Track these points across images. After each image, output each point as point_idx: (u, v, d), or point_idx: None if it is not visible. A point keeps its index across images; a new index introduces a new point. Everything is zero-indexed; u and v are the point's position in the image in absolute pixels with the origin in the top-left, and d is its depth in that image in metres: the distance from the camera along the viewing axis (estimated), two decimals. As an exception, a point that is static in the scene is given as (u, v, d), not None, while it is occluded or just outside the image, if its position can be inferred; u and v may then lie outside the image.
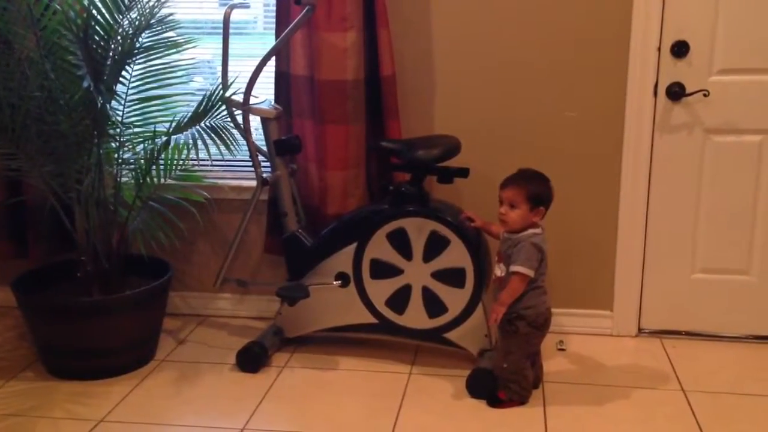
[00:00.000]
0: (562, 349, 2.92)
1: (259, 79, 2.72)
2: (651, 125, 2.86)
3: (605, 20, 2.80)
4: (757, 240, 2.91)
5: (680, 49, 2.79)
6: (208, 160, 2.81)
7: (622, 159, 2.89)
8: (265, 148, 2.86)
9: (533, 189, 2.45)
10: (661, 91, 2.83)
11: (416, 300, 2.71)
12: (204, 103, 2.74)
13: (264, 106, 2.80)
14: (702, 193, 2.90)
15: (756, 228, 2.90)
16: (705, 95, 2.80)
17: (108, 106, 2.68)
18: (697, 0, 2.75)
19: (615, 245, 2.97)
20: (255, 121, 2.84)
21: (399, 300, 2.72)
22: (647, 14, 2.76)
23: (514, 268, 2.43)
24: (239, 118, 2.84)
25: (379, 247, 2.70)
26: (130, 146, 2.85)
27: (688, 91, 2.80)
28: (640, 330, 3.05)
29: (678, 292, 3.00)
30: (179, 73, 2.89)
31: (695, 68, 2.80)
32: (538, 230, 2.47)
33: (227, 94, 2.76)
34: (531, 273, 2.42)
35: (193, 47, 2.88)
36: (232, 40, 2.88)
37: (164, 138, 2.76)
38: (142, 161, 2.83)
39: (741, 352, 2.92)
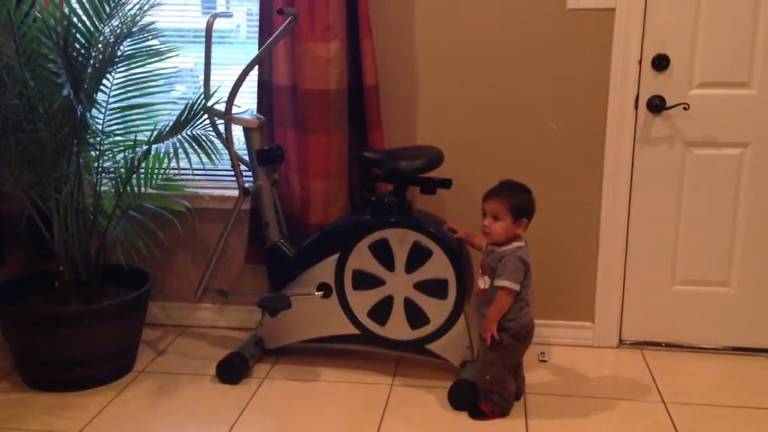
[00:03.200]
0: (544, 361, 2.92)
1: (241, 89, 2.72)
2: (632, 137, 2.88)
3: (587, 34, 2.82)
4: (736, 252, 2.93)
5: (661, 63, 2.81)
6: (189, 169, 2.79)
7: (603, 171, 2.91)
8: (247, 158, 2.84)
9: (517, 201, 2.45)
10: (642, 103, 2.85)
11: (398, 311, 2.70)
12: (186, 112, 2.72)
13: (246, 116, 2.79)
14: (682, 205, 2.92)
15: (735, 240, 2.92)
16: (685, 108, 2.82)
17: (88, 114, 2.65)
18: (677, 14, 2.78)
19: (596, 256, 2.98)
20: (237, 131, 2.83)
21: (381, 311, 2.71)
22: (628, 28, 2.78)
23: (500, 282, 2.43)
24: (221, 128, 2.82)
25: (361, 258, 2.69)
26: (111, 155, 2.83)
27: (668, 104, 2.83)
28: (621, 341, 3.06)
29: (658, 304, 3.01)
30: (161, 82, 2.88)
31: (676, 82, 2.83)
32: (521, 243, 2.47)
33: (209, 104, 2.75)
34: (517, 287, 2.42)
35: (176, 56, 2.86)
36: (214, 48, 2.87)
37: (145, 147, 2.74)
38: (123, 170, 2.80)
39: (721, 363, 2.93)
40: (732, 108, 2.83)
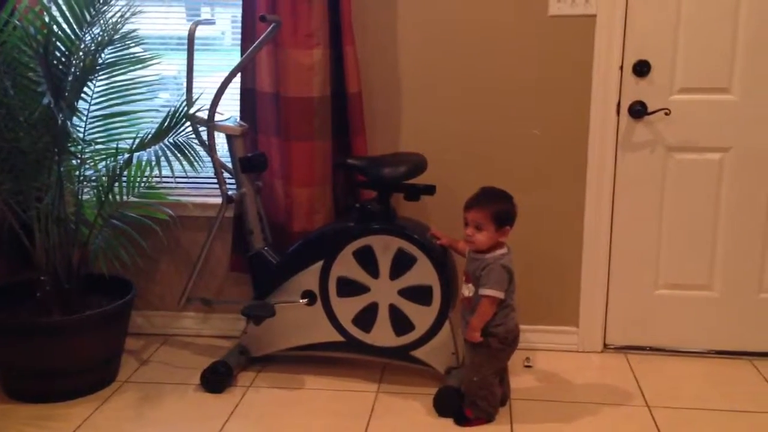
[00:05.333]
0: (529, 366, 2.93)
1: (224, 96, 2.71)
2: (614, 143, 2.89)
3: (569, 40, 2.83)
4: (718, 256, 2.95)
5: (642, 69, 2.83)
6: (171, 177, 2.77)
7: (586, 176, 2.93)
8: (230, 165, 2.83)
9: (499, 209, 2.45)
10: (624, 109, 2.87)
11: (383, 318, 2.69)
12: (168, 120, 2.71)
13: (229, 123, 2.79)
14: (664, 210, 2.94)
15: (717, 244, 2.94)
16: (666, 114, 2.84)
17: (69, 122, 2.63)
18: (657, 21, 2.80)
19: (580, 261, 2.99)
20: (220, 138, 2.82)
21: (366, 318, 2.71)
22: (609, 34, 2.80)
23: (484, 291, 2.43)
24: (204, 135, 2.81)
25: (345, 265, 2.69)
26: (92, 163, 2.81)
27: (649, 109, 2.85)
28: (605, 346, 3.07)
29: (642, 308, 3.03)
30: (143, 89, 2.86)
31: (657, 87, 2.84)
32: (504, 250, 2.48)
33: (192, 111, 2.73)
34: (501, 295, 2.43)
35: (158, 63, 2.85)
36: (199, 55, 2.86)
37: (127, 155, 2.72)
38: (104, 178, 2.79)
39: (704, 367, 2.95)
40: (713, 113, 2.85)
